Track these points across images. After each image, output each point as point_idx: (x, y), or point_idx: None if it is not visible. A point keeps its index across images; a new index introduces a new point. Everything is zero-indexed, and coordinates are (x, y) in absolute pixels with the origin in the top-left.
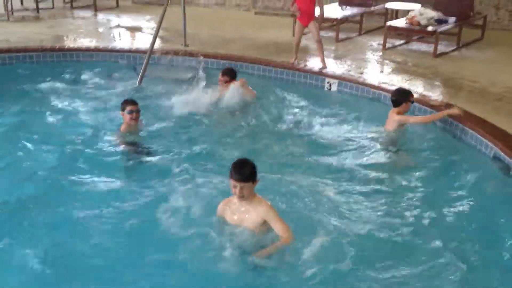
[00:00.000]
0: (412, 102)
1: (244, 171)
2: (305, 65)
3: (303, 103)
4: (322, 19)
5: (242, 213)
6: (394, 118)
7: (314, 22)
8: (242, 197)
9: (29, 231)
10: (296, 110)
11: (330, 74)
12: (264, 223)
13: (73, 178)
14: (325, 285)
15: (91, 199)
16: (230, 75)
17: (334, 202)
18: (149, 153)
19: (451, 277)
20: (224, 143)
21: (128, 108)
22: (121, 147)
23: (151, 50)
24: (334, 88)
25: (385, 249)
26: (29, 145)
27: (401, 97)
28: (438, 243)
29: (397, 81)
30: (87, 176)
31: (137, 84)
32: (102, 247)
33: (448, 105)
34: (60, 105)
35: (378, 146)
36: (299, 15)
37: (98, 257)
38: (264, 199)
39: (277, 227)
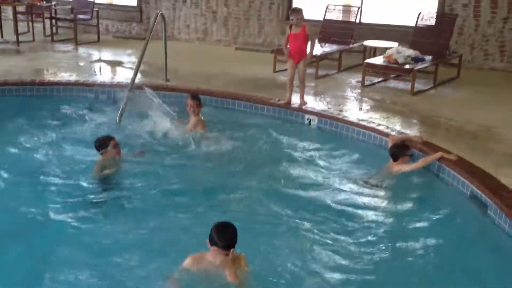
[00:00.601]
0: (411, 156)
1: (231, 238)
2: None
3: (282, 139)
4: (311, 58)
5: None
6: (392, 170)
7: (304, 61)
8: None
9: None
10: (275, 145)
11: (310, 110)
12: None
13: (45, 213)
14: None
15: (62, 236)
16: (199, 99)
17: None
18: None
19: None
20: (200, 182)
21: (112, 143)
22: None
23: (132, 85)
24: (314, 124)
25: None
26: (1, 179)
27: (399, 152)
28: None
29: (375, 119)
30: (59, 212)
31: (117, 121)
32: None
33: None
34: (38, 139)
35: (358, 182)
36: (288, 58)
37: None
38: (242, 257)
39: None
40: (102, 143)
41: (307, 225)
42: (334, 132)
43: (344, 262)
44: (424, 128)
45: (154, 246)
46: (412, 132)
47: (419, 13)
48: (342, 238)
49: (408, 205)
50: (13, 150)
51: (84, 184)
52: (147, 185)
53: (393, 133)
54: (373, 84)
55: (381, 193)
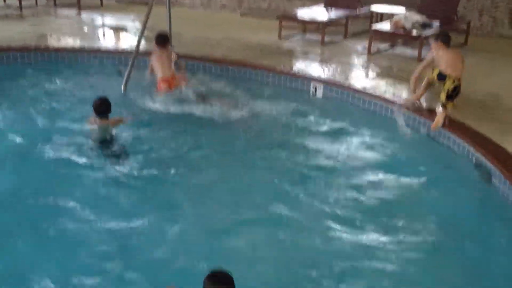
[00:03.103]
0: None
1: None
2: (291, 68)
3: (287, 107)
4: None
5: None
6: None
7: None
8: None
9: None
10: (281, 114)
11: (316, 78)
12: None
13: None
14: None
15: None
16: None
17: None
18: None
19: None
20: (200, 149)
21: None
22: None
23: (136, 53)
24: (319, 92)
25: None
26: (7, 143)
27: None
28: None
29: (382, 86)
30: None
31: (122, 91)
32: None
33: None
34: (41, 105)
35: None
36: None
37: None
38: None
39: None
40: (108, 107)
41: (311, 190)
42: (340, 100)
43: (354, 224)
44: (431, 96)
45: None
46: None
47: None
48: (346, 204)
49: (413, 173)
50: (17, 115)
51: (85, 148)
52: (148, 150)
53: (399, 100)
54: (380, 51)
55: (385, 160)
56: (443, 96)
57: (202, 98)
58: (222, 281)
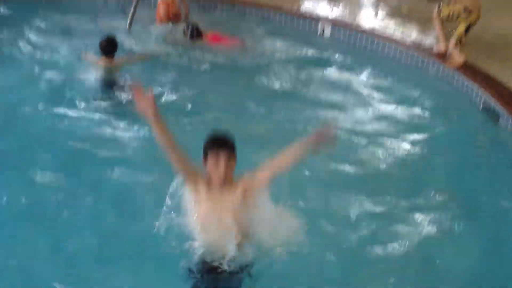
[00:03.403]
0: None
1: (228, 139)
2: (298, 8)
3: (294, 47)
4: None
5: (219, 201)
6: None
7: None
8: (225, 178)
9: None
10: (287, 54)
11: (323, 18)
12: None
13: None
14: None
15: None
16: None
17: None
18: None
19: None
20: (209, 93)
21: None
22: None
23: None
24: (327, 32)
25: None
26: (8, 83)
27: None
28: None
29: (391, 27)
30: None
31: (127, 28)
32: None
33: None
34: (47, 45)
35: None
36: None
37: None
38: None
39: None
40: (114, 46)
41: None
42: (347, 40)
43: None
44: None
45: None
46: (428, 40)
47: None
48: (352, 142)
49: (421, 114)
50: (22, 56)
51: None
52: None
53: (408, 41)
54: None
55: (393, 101)
56: (461, 29)
57: (199, 35)
58: (221, 140)
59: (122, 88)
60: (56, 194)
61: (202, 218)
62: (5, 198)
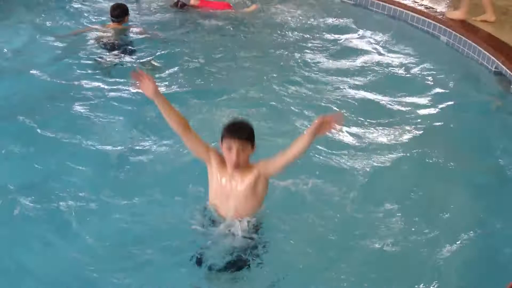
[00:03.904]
0: None
1: (244, 129)
2: None
3: (305, 10)
4: None
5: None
6: None
7: None
8: (237, 165)
9: None
10: (298, 17)
11: None
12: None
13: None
14: None
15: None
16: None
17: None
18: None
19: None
20: (217, 59)
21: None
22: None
23: None
24: None
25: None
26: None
27: None
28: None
29: None
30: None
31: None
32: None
33: None
34: (57, 16)
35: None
36: None
37: None
38: (258, 162)
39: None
40: (125, 10)
41: (320, 94)
42: (359, 5)
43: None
44: (452, 3)
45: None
46: (440, 7)
47: None
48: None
49: (432, 81)
50: (28, 26)
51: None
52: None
53: (421, 7)
54: None
55: (403, 68)
56: None
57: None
58: (236, 128)
59: (130, 51)
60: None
61: (213, 191)
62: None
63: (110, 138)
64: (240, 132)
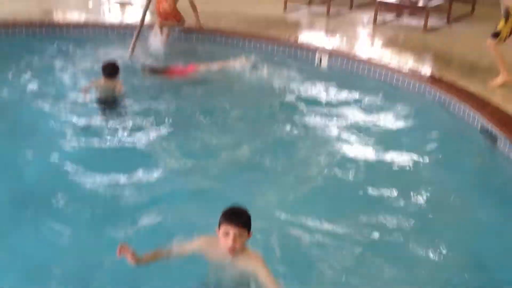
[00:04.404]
0: None
1: (241, 215)
2: (296, 39)
3: (293, 77)
4: None
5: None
6: None
7: None
8: (233, 250)
9: None
10: (286, 84)
11: (321, 48)
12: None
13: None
14: None
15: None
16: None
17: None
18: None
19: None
20: (204, 124)
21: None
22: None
23: (142, 21)
24: (324, 62)
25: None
26: (13, 117)
27: None
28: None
29: (387, 56)
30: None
31: (129, 54)
32: None
33: None
34: (48, 78)
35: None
36: None
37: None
38: (255, 253)
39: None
40: (113, 68)
41: (312, 157)
42: (345, 70)
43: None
44: (437, 64)
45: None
46: (425, 67)
47: None
48: (347, 167)
49: (418, 139)
50: (24, 89)
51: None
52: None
53: (405, 69)
54: (386, 22)
55: (389, 126)
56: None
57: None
58: (234, 215)
59: (121, 106)
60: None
61: (209, 270)
62: None
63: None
64: (238, 218)
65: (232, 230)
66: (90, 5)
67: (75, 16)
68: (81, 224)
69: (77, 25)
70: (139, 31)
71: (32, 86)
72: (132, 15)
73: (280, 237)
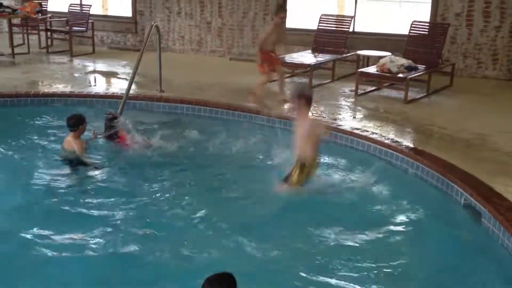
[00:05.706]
0: None
1: (224, 282)
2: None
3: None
4: None
5: None
6: None
7: None
8: None
9: None
10: (267, 154)
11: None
12: None
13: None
14: None
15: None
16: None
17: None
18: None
19: None
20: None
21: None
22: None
23: (127, 95)
24: None
25: None
26: None
27: None
28: None
29: (369, 127)
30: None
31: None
32: None
33: None
34: (32, 150)
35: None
36: None
37: None
38: None
39: None
40: (80, 119)
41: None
42: (327, 141)
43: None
44: (417, 136)
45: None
46: (406, 141)
47: (412, 23)
48: (326, 243)
49: (400, 213)
50: (8, 161)
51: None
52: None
53: (387, 141)
54: (367, 93)
55: (371, 200)
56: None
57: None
58: (223, 282)
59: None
60: None
61: None
62: None
63: None
64: (218, 284)
65: None
66: (76, 75)
67: (61, 87)
68: None
69: (63, 96)
70: (123, 104)
71: (18, 158)
72: (118, 85)
73: None
